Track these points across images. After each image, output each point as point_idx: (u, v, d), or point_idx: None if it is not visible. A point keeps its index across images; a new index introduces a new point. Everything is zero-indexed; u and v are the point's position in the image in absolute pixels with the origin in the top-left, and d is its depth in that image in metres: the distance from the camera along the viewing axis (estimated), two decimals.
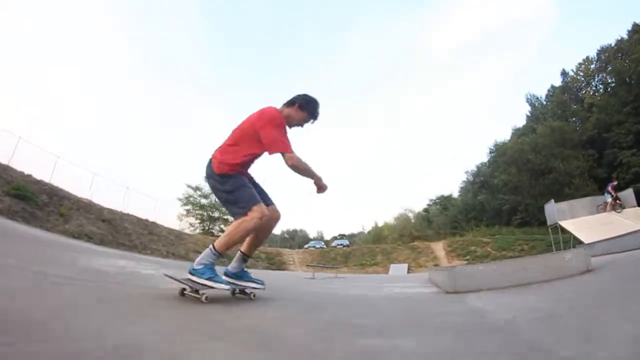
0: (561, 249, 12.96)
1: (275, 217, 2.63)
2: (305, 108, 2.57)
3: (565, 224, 15.03)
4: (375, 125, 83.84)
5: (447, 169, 73.51)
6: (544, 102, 38.52)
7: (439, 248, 23.90)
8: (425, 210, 40.90)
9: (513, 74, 68.49)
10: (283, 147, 2.35)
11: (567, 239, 15.31)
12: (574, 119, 33.67)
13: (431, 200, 42.15)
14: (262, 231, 2.57)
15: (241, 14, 78.72)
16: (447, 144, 75.02)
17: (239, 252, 2.66)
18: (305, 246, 37.00)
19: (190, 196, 31.60)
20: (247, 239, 2.59)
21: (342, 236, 51.35)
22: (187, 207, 31.56)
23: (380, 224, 41.47)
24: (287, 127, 2.48)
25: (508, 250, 20.91)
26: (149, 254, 11.38)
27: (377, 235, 37.49)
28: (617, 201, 14.46)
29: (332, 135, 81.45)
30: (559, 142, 29.94)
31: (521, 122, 39.50)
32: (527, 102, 40.05)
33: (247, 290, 2.68)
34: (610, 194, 14.75)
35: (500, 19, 71.05)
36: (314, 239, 47.67)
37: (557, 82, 37.87)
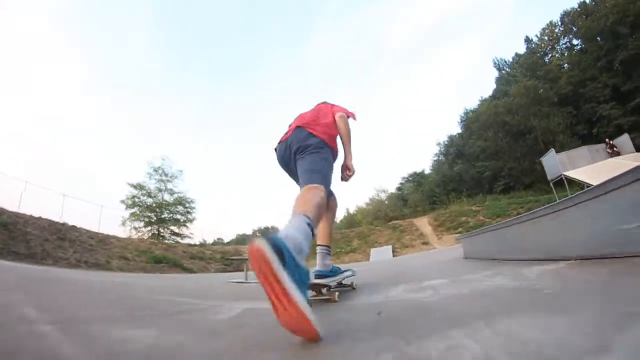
0: None
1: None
2: None
3: (574, 174, 12.74)
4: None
5: (417, 146, 71.48)
6: (512, 68, 36.72)
7: (424, 224, 20.22)
8: (399, 189, 37.84)
9: (478, 50, 67.41)
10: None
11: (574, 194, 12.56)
12: (544, 80, 32.16)
13: (404, 178, 39.04)
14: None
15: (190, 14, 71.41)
16: (415, 122, 73.23)
17: (320, 248, 2.31)
18: None
19: (135, 197, 27.33)
20: (321, 231, 2.34)
21: None
22: (133, 210, 27.03)
23: (352, 211, 38.20)
24: None
25: (504, 216, 17.91)
26: (50, 264, 9.70)
27: (350, 222, 33.83)
28: (615, 149, 14.03)
29: None
30: (534, 101, 27.91)
31: (488, 92, 37.45)
32: (495, 66, 37.93)
33: (347, 282, 2.53)
34: (607, 143, 14.38)
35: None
36: None
37: (522, 50, 36.24)
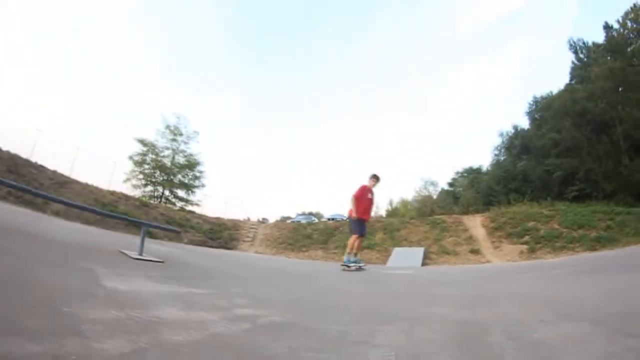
0: None
1: (359, 241, 7.10)
2: (370, 177, 7.22)
3: None
4: (399, 109, 77.71)
5: (475, 139, 65.21)
6: (592, 52, 29.77)
7: (475, 224, 15.57)
8: (451, 184, 33.04)
9: (550, 35, 59.99)
10: (355, 193, 7.03)
11: None
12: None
13: (457, 173, 33.76)
14: (357, 243, 7.04)
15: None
16: (474, 114, 67.70)
17: (353, 252, 6.97)
18: (290, 220, 29.36)
19: (145, 154, 25.21)
20: (356, 247, 7.03)
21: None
22: (140, 169, 24.92)
23: (396, 203, 33.87)
24: (373, 186, 7.19)
25: (588, 228, 12.85)
26: None
27: (391, 215, 29.79)
28: None
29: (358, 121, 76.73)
30: (622, 85, 22.19)
31: (561, 80, 30.65)
32: (571, 49, 31.10)
33: (362, 267, 7.01)
34: None
35: None
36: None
37: (600, 38, 29.17)
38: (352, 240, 6.98)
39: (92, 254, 3.77)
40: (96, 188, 15.96)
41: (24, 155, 13.88)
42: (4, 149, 13.06)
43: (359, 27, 74.90)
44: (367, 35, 74.04)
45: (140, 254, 4.02)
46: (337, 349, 1.29)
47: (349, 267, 6.65)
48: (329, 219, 25.81)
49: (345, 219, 25.36)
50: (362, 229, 7.09)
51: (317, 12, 73.43)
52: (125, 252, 4.11)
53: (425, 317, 1.92)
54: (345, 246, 16.89)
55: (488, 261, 11.67)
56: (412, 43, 73.85)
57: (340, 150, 70.64)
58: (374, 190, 7.25)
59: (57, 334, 1.03)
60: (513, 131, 30.20)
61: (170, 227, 12.55)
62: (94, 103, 54.35)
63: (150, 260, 3.96)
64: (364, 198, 6.95)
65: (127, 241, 6.33)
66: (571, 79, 28.43)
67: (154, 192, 25.12)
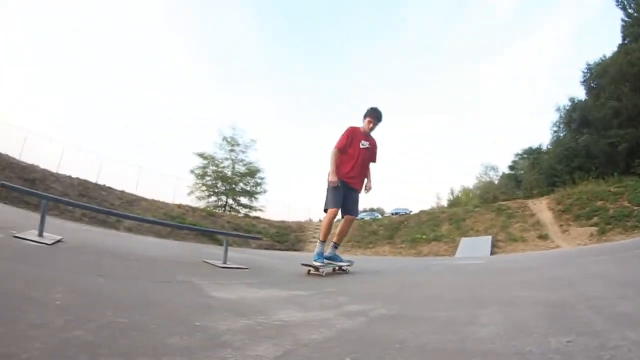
0: None
1: (346, 224, 4.29)
2: (365, 116, 4.25)
3: None
4: (446, 96, 76.92)
5: (532, 117, 62.21)
6: None
7: (541, 208, 15.61)
8: (511, 167, 32.09)
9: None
10: (336, 143, 4.17)
11: None
12: None
13: (517, 155, 32.64)
14: (341, 226, 4.30)
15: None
16: (527, 89, 64.93)
17: (332, 242, 4.29)
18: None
19: (205, 167, 26.97)
20: (337, 231, 4.32)
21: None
22: (203, 181, 26.78)
23: (457, 192, 34.34)
24: (370, 130, 4.25)
25: None
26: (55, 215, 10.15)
27: (454, 205, 30.23)
28: None
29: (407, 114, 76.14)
30: None
31: (613, 41, 28.25)
32: (618, 5, 28.44)
33: (344, 268, 4.35)
34: None
35: None
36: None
37: None
38: (327, 219, 4.06)
39: (183, 267, 3.96)
40: (164, 203, 18.00)
41: (93, 179, 16.11)
42: (74, 176, 15.28)
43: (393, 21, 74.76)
44: (407, 27, 73.45)
45: (225, 263, 4.09)
46: (454, 331, 1.37)
47: (317, 270, 3.82)
48: (392, 214, 26.36)
49: (409, 212, 26.06)
50: (347, 201, 4.14)
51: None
52: (210, 262, 4.20)
53: (514, 300, 2.04)
54: (412, 241, 17.57)
55: (558, 246, 11.80)
56: (452, 30, 72.43)
57: (394, 143, 70.66)
58: (375, 138, 4.39)
59: (207, 348, 1.06)
60: (570, 104, 28.63)
61: (252, 235, 14.09)
62: (151, 123, 59.55)
63: (237, 268, 4.02)
64: (352, 149, 4.15)
65: (202, 251, 7.19)
66: (624, 39, 26.34)
67: (218, 202, 26.85)
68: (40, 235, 3.53)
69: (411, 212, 25.04)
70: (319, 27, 77.70)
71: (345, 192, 4.09)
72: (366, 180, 4.38)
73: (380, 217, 26.29)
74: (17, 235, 3.40)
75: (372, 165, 4.44)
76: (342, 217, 4.26)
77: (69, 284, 1.95)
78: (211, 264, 4.02)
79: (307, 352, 1.07)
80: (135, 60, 62.73)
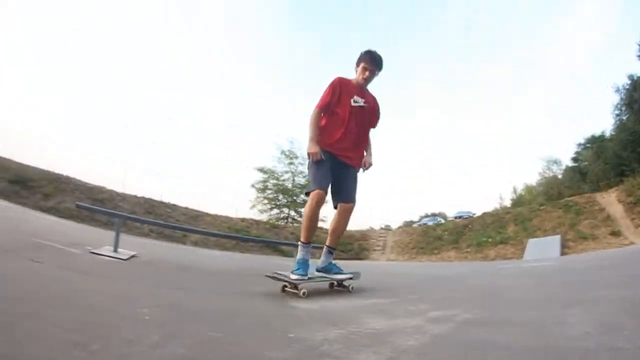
0: None
1: (345, 209, 2.89)
2: (358, 62, 2.89)
3: None
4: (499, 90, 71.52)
5: (592, 101, 57.18)
6: None
7: (610, 201, 14.74)
8: (574, 159, 29.70)
9: None
10: (318, 101, 2.83)
11: None
12: None
13: (579, 145, 30.13)
14: (334, 221, 2.95)
15: None
16: (584, 74, 60.36)
17: (324, 246, 2.97)
18: (417, 223, 30.16)
19: (266, 181, 28.10)
20: (330, 230, 2.99)
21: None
22: (264, 194, 27.97)
23: (520, 190, 32.97)
24: (365, 82, 2.90)
25: None
26: (124, 231, 11.65)
27: (517, 204, 28.78)
28: None
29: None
30: None
31: None
32: None
33: (346, 283, 2.97)
34: None
35: None
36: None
37: None
38: (310, 207, 2.73)
39: (257, 278, 3.47)
40: (227, 217, 18.80)
41: (157, 197, 16.91)
42: (139, 195, 16.25)
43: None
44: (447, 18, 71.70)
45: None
46: (548, 331, 1.37)
47: (295, 287, 2.54)
48: (456, 218, 26.01)
49: (472, 214, 25.85)
50: (339, 182, 2.90)
51: None
52: (280, 272, 3.83)
53: (596, 299, 2.04)
54: (477, 244, 17.15)
55: (632, 243, 11.23)
56: (492, 17, 69.06)
57: (442, 143, 67.93)
58: (373, 95, 3.07)
59: (307, 358, 1.08)
60: (629, 82, 25.62)
61: (315, 245, 15.20)
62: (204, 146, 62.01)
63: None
64: (340, 107, 2.87)
65: (269, 262, 7.52)
66: None
67: (280, 214, 27.72)
68: (115, 250, 3.75)
69: (474, 214, 24.69)
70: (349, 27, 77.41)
71: (336, 169, 2.83)
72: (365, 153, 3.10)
73: (443, 221, 26.08)
74: (93, 251, 3.64)
75: (372, 132, 3.16)
76: (335, 207, 2.95)
77: (153, 297, 2.04)
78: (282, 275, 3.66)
79: (407, 358, 1.10)
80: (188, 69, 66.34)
